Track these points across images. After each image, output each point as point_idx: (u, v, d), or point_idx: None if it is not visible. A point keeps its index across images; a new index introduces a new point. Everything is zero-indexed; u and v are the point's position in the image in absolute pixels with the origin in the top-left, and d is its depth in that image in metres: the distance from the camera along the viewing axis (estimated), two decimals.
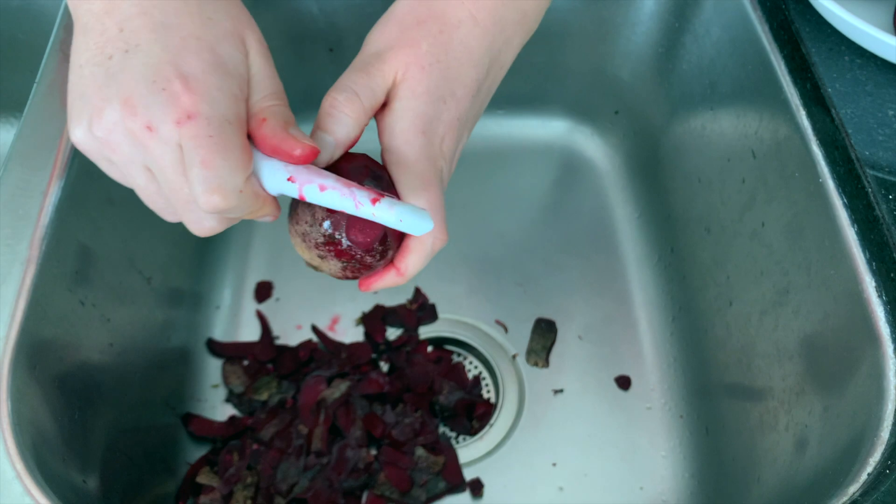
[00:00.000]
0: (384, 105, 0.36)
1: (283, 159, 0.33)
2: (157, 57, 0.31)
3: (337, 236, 0.34)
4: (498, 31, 0.38)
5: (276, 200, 0.35)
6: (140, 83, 0.30)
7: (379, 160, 0.37)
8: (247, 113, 0.33)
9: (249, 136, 0.33)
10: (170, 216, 0.35)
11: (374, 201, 0.33)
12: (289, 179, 0.33)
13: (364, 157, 0.36)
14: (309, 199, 0.33)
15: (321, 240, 0.35)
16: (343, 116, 0.34)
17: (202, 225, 0.34)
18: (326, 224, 0.34)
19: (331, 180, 0.33)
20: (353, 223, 0.34)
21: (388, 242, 0.36)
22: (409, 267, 0.37)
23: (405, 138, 0.35)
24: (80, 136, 0.32)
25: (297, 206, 0.36)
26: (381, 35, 0.36)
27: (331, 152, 0.34)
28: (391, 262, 0.37)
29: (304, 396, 0.62)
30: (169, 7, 0.32)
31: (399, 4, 0.37)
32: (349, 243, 0.35)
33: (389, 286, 0.38)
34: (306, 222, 0.35)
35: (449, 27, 0.36)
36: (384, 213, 0.33)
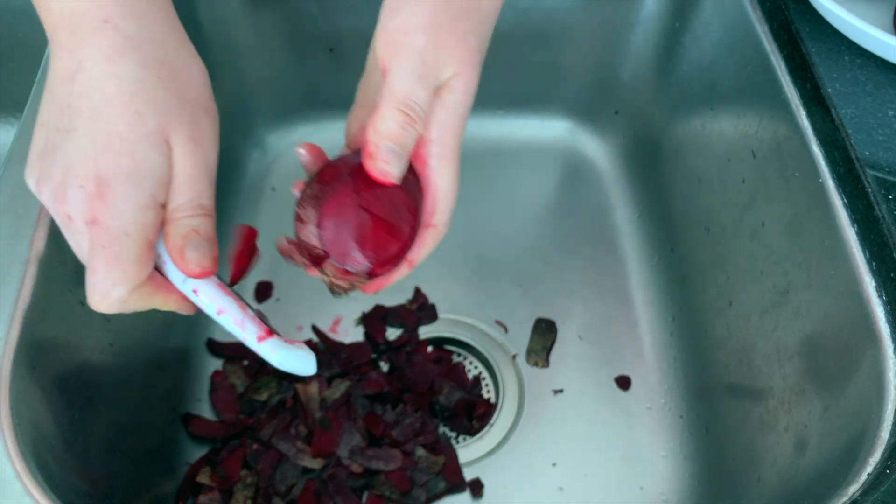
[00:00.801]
0: None
1: (183, 272, 0.35)
2: (84, 151, 0.32)
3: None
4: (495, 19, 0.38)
5: (186, 300, 0.37)
6: (67, 174, 0.32)
7: None
8: (163, 214, 0.34)
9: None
10: None
11: (260, 339, 0.36)
12: (193, 291, 0.36)
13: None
14: (208, 314, 0.36)
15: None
16: (414, 132, 0.34)
17: (98, 309, 0.35)
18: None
19: (230, 306, 0.36)
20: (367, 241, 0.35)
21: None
22: (421, 257, 0.37)
23: (454, 132, 0.35)
24: (34, 189, 0.34)
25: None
26: (433, 23, 0.34)
27: (404, 166, 0.34)
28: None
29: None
30: (105, 93, 0.32)
31: None
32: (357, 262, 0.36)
33: (398, 279, 0.38)
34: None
35: (484, 17, 0.36)
36: (266, 352, 0.36)
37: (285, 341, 0.37)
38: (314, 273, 0.37)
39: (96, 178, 0.31)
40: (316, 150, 0.37)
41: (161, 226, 0.34)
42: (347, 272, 0.35)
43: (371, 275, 0.36)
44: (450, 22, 0.34)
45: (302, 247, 0.36)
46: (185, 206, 0.34)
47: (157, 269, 0.35)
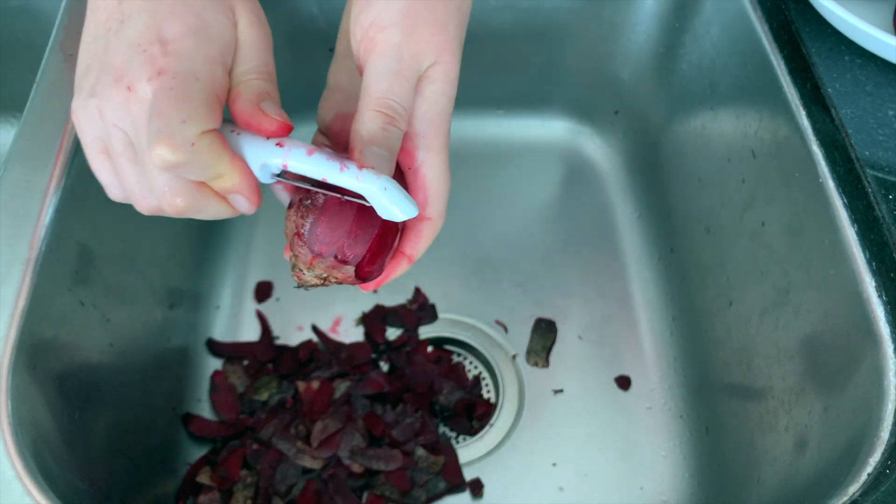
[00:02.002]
0: None
1: (256, 133, 0.33)
2: (144, 23, 0.32)
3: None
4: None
5: (256, 182, 0.33)
6: (128, 49, 0.31)
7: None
8: (231, 83, 0.33)
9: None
10: (143, 200, 0.33)
11: (360, 167, 0.32)
12: (277, 144, 0.32)
13: None
14: (292, 167, 0.32)
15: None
16: (397, 132, 0.33)
17: (172, 200, 0.32)
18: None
19: (318, 148, 0.33)
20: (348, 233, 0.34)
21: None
22: (419, 252, 0.37)
23: (439, 123, 0.34)
24: (78, 105, 0.32)
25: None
26: (408, 15, 0.33)
27: (390, 168, 0.33)
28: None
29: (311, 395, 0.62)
30: None
31: None
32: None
33: (398, 275, 0.38)
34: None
35: (464, 5, 0.36)
36: (370, 181, 0.31)
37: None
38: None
39: (160, 40, 0.31)
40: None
41: (227, 93, 0.33)
42: (337, 266, 0.34)
43: (360, 274, 0.35)
44: (426, 10, 0.33)
45: (293, 247, 0.35)
46: (254, 69, 0.34)
47: None
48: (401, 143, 0.33)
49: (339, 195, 0.34)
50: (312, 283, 0.35)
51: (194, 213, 0.33)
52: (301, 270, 0.35)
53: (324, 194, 0.34)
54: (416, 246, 0.37)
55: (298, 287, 0.36)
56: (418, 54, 0.33)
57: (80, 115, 0.33)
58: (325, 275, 0.35)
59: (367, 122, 0.32)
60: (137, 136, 0.31)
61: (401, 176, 0.36)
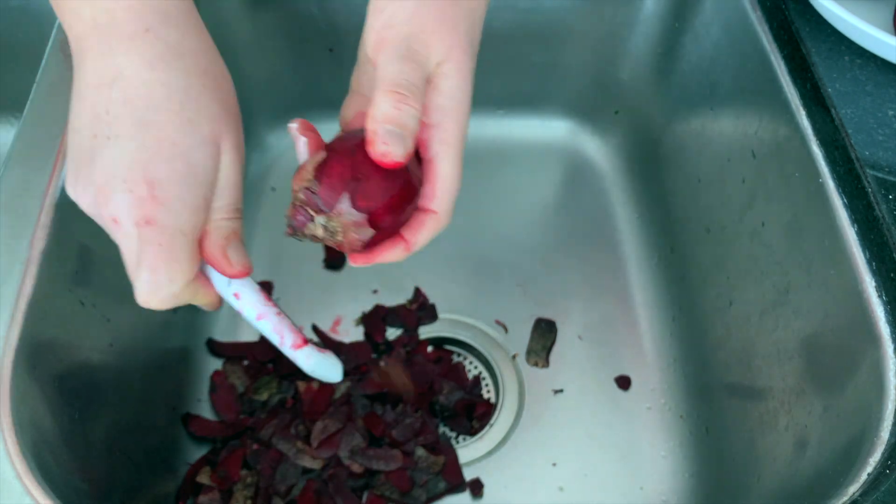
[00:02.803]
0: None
1: (222, 273, 0.36)
2: (130, 156, 0.32)
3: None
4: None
5: (218, 297, 0.37)
6: (113, 178, 0.32)
7: None
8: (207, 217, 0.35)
9: None
10: None
11: (296, 346, 0.37)
12: (234, 294, 0.37)
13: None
14: (246, 318, 0.37)
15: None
16: (411, 109, 0.33)
17: (148, 306, 0.35)
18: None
19: (269, 312, 0.37)
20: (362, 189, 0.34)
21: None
22: (419, 242, 0.37)
23: (455, 116, 0.35)
24: (73, 197, 0.34)
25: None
26: (416, 13, 0.34)
27: (406, 145, 0.33)
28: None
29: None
30: (152, 100, 0.32)
31: None
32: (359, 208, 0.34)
33: (392, 260, 0.37)
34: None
35: (474, 6, 0.36)
36: (301, 359, 0.38)
37: (317, 350, 0.38)
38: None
39: (147, 181, 0.32)
40: (310, 127, 0.36)
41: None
42: (361, 224, 0.34)
43: (372, 223, 0.34)
44: (436, 10, 0.35)
45: (300, 203, 0.34)
46: (225, 208, 0.35)
47: None
48: (417, 123, 0.33)
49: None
50: (313, 234, 0.34)
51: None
52: (309, 214, 0.34)
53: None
54: (416, 235, 0.36)
55: (293, 235, 0.35)
56: (427, 46, 0.34)
57: (81, 201, 0.34)
58: (338, 229, 0.34)
59: (380, 104, 0.33)
60: (124, 258, 0.34)
61: (418, 163, 0.36)
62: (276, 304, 0.38)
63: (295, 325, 0.38)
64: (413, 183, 0.35)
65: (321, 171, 0.34)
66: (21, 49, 0.66)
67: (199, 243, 0.35)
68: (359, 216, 0.34)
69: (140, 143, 0.32)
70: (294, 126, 0.36)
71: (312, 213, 0.34)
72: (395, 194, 0.34)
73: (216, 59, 0.36)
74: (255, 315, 0.37)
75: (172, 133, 0.32)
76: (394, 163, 0.33)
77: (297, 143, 0.36)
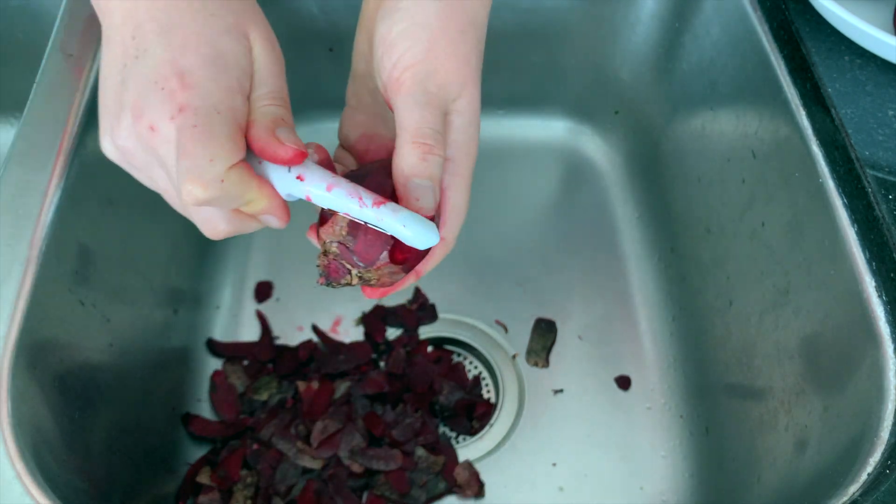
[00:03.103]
0: None
1: (271, 161, 0.33)
2: (158, 58, 0.31)
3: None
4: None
5: (283, 201, 0.34)
6: (144, 85, 0.31)
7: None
8: (248, 109, 0.33)
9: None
10: (192, 219, 0.35)
11: (377, 203, 0.32)
12: (297, 178, 0.33)
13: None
14: (314, 199, 0.33)
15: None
16: (437, 159, 0.33)
17: (214, 227, 0.34)
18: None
19: (339, 182, 0.33)
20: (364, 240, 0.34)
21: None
22: (428, 269, 0.37)
23: (468, 150, 0.35)
24: (106, 146, 0.33)
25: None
26: (430, 50, 0.34)
27: (436, 196, 0.33)
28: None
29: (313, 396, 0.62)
30: (174, 9, 0.32)
31: (428, 8, 0.34)
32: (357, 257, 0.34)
33: (400, 289, 0.38)
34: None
35: (480, 32, 0.36)
36: (387, 216, 0.32)
37: (402, 206, 0.34)
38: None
39: (177, 73, 0.31)
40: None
41: (246, 119, 0.33)
42: (395, 270, 0.35)
43: (405, 267, 0.35)
44: (450, 46, 0.34)
45: (334, 257, 0.34)
46: (269, 95, 0.34)
47: None
48: (441, 168, 0.34)
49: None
50: (348, 283, 0.35)
51: (235, 234, 0.34)
52: (346, 268, 0.34)
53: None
54: (426, 263, 0.37)
55: (326, 284, 0.35)
56: (445, 86, 0.34)
57: (111, 154, 0.33)
58: (374, 278, 0.35)
59: (406, 157, 0.33)
60: (168, 172, 0.32)
61: None
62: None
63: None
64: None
65: (356, 227, 0.34)
66: (21, 49, 0.66)
67: (246, 132, 0.33)
68: (395, 267, 0.34)
69: (166, 45, 0.31)
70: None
71: (349, 266, 0.34)
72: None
73: None
74: (325, 186, 0.33)
75: (197, 27, 0.32)
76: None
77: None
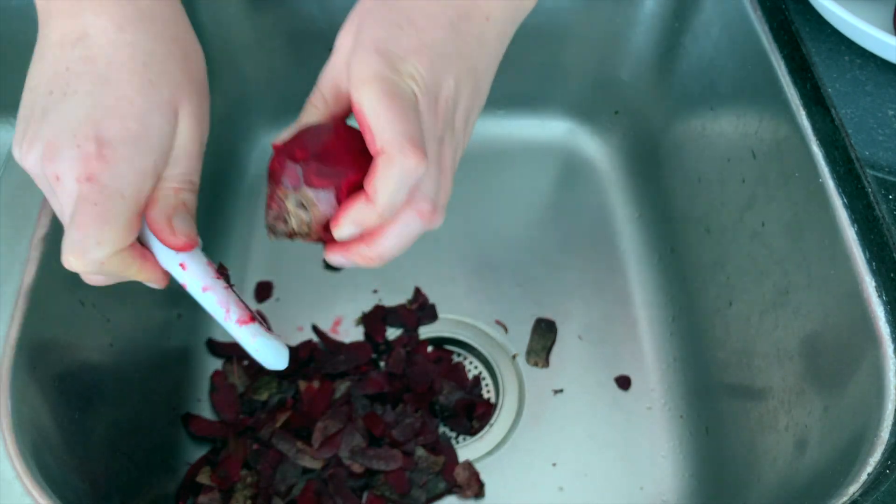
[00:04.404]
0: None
1: (166, 244, 0.34)
2: (85, 111, 0.31)
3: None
4: None
5: (163, 272, 0.35)
6: (63, 132, 0.31)
7: None
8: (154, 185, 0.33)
9: None
10: None
11: (241, 322, 0.35)
12: (180, 265, 0.35)
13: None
14: (189, 290, 0.35)
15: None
16: (311, 108, 0.34)
17: (89, 279, 0.34)
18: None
19: (216, 285, 0.35)
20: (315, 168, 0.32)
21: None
22: (378, 190, 0.31)
23: (360, 60, 0.33)
24: (16, 156, 0.33)
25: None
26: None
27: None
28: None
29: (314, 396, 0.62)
30: (115, 59, 0.32)
31: None
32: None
33: (364, 221, 0.32)
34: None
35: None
36: (246, 337, 0.35)
37: (264, 330, 0.36)
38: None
39: (97, 139, 0.31)
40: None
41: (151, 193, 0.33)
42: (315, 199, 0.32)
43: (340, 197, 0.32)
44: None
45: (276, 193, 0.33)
46: (178, 177, 0.34)
47: (139, 241, 0.35)
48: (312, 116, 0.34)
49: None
50: (289, 230, 0.33)
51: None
52: (287, 206, 0.33)
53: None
54: (373, 182, 0.31)
55: (275, 235, 0.34)
56: (338, 49, 0.36)
57: (17, 161, 0.33)
58: (306, 205, 0.32)
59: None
60: (60, 216, 0.33)
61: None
62: (226, 281, 0.36)
63: (243, 303, 0.36)
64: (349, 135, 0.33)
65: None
66: (21, 49, 0.66)
67: (144, 212, 0.33)
68: (318, 192, 0.32)
69: (96, 100, 0.31)
70: None
71: (281, 196, 0.32)
72: (325, 141, 0.33)
73: (187, 30, 0.36)
74: (201, 287, 0.35)
75: (131, 92, 0.32)
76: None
77: None
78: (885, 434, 0.40)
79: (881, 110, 0.50)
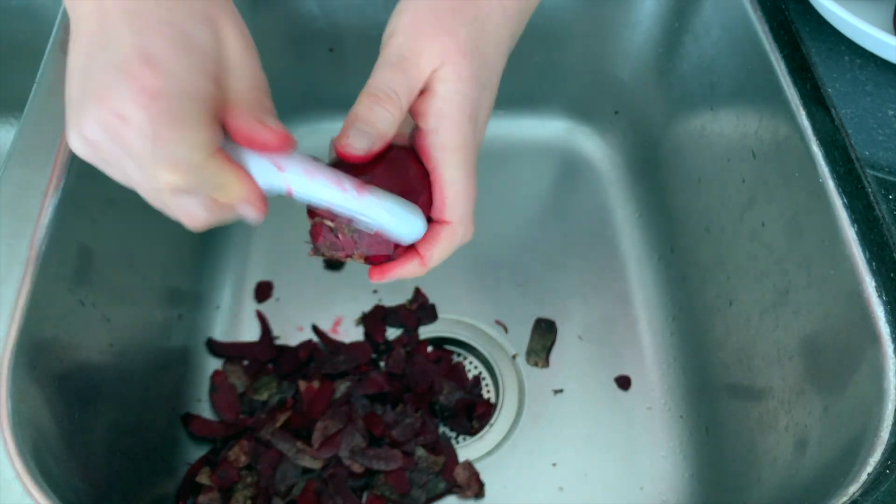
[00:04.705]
0: (422, 90, 0.35)
1: (257, 149, 0.32)
2: (127, 43, 0.30)
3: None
4: (519, 21, 0.38)
5: (261, 192, 0.33)
6: (110, 73, 0.30)
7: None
8: (223, 97, 0.32)
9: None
10: (169, 212, 0.34)
11: (360, 191, 0.32)
12: (277, 169, 0.32)
13: (402, 150, 0.35)
14: (296, 190, 0.33)
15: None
16: (384, 112, 0.33)
17: (194, 217, 0.33)
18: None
19: (319, 167, 0.33)
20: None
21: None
22: (435, 257, 0.36)
23: (453, 119, 0.34)
24: (74, 142, 0.32)
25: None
26: (411, 22, 0.34)
27: (370, 143, 0.33)
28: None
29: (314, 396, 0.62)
30: None
31: None
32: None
33: (408, 276, 0.36)
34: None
35: (483, 16, 0.36)
36: (371, 206, 0.32)
37: (385, 193, 0.33)
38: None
39: (144, 57, 0.29)
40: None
41: (221, 107, 0.32)
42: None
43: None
44: (434, 19, 0.34)
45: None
46: (249, 83, 0.33)
47: None
48: (390, 125, 0.33)
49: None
50: (333, 255, 0.35)
51: (216, 223, 0.34)
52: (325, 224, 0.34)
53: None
54: (430, 248, 0.35)
55: (320, 255, 0.35)
56: (418, 54, 0.34)
57: (79, 149, 0.32)
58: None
59: (357, 105, 0.33)
60: (140, 162, 0.31)
61: (418, 170, 0.35)
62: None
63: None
64: (411, 183, 0.34)
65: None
66: (21, 49, 0.66)
67: (226, 119, 0.32)
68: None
69: (132, 30, 0.30)
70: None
71: (352, 240, 0.34)
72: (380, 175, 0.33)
73: None
74: (307, 178, 0.32)
75: (164, 13, 0.31)
76: (354, 156, 0.33)
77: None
78: (885, 434, 0.40)
79: (881, 110, 0.50)
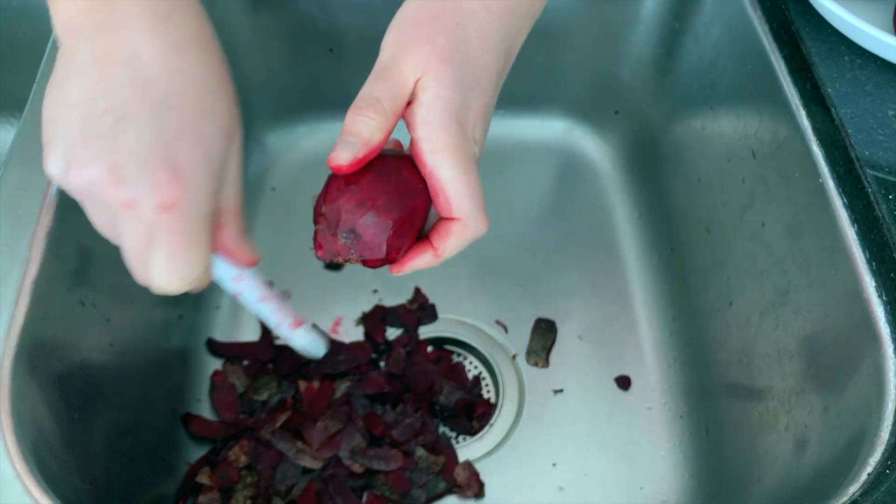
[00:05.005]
0: (410, 102, 0.36)
1: (234, 261, 0.37)
2: (151, 137, 0.31)
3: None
4: (511, 19, 0.38)
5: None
6: (130, 158, 0.31)
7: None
8: (217, 204, 0.35)
9: None
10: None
11: (295, 326, 0.42)
12: (236, 278, 0.38)
13: (397, 158, 0.37)
14: (245, 301, 0.39)
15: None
16: (365, 119, 0.34)
17: (165, 291, 0.35)
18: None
19: (270, 295, 0.40)
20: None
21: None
22: (447, 249, 0.38)
23: (439, 123, 0.35)
24: (55, 173, 0.32)
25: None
26: (395, 37, 0.36)
27: (353, 152, 0.35)
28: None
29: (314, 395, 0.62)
30: (174, 87, 0.32)
31: (409, 3, 0.37)
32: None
33: (423, 267, 0.38)
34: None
35: (464, 19, 0.36)
36: (298, 337, 0.42)
37: (312, 328, 0.42)
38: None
39: (170, 166, 0.31)
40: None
41: (215, 216, 0.35)
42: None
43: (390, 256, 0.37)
44: (414, 30, 0.36)
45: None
46: (233, 198, 0.36)
47: None
48: (375, 132, 0.34)
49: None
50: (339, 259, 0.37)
51: None
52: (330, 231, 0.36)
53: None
54: (442, 241, 0.38)
55: (327, 260, 0.37)
56: (400, 64, 0.35)
57: (59, 182, 0.32)
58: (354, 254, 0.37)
59: (345, 120, 0.35)
60: (125, 241, 0.33)
61: (416, 177, 0.36)
62: (270, 287, 0.41)
63: (290, 308, 0.42)
64: (401, 188, 0.36)
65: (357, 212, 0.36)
66: (21, 49, 0.66)
67: (220, 235, 0.36)
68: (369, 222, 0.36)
69: (161, 127, 0.31)
70: None
71: (350, 248, 0.36)
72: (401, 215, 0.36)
73: (223, 54, 0.37)
74: (258, 297, 0.39)
75: (193, 121, 0.32)
76: (340, 167, 0.34)
77: None
78: (885, 434, 0.40)
79: (881, 110, 0.50)
